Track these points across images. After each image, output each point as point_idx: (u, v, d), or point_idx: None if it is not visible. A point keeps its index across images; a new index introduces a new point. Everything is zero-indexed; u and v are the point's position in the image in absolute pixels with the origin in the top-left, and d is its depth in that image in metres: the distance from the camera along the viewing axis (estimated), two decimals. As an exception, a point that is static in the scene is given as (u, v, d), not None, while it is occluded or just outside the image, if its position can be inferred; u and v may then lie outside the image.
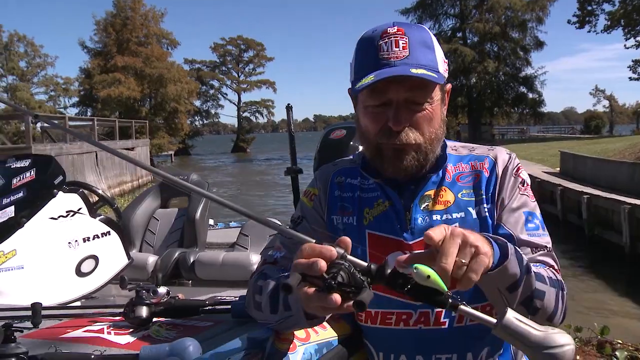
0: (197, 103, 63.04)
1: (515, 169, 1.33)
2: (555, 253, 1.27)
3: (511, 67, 44.11)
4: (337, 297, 0.88)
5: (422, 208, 1.29)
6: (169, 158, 46.63)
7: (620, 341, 4.49)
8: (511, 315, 0.87)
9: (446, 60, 1.31)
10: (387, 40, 1.22)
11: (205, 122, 76.28)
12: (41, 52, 54.25)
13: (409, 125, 1.22)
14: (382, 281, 0.91)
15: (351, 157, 1.46)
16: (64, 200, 2.66)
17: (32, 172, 2.64)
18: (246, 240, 3.64)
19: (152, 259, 3.47)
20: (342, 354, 1.28)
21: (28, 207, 2.55)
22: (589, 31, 39.01)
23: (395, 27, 1.24)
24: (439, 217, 1.27)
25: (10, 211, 2.52)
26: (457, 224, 1.24)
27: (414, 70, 1.17)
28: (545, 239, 1.28)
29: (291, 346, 1.14)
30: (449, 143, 1.39)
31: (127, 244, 3.72)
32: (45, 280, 2.46)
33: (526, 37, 43.39)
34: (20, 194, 2.58)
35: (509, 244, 1.07)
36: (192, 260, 3.43)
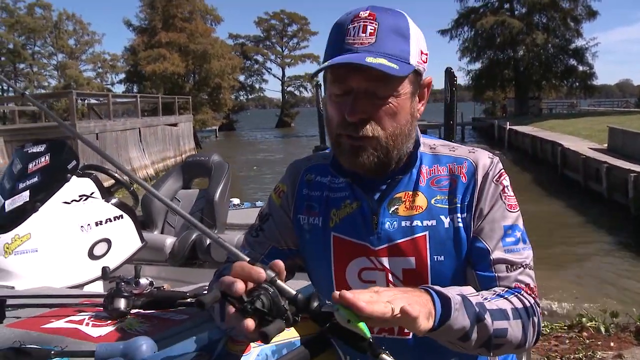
0: (241, 78, 63.41)
1: (497, 175, 1.23)
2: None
3: (561, 38, 42.40)
4: (249, 322, 0.84)
5: (390, 212, 1.21)
6: (213, 133, 47.28)
7: (661, 329, 4.35)
8: None
9: (426, 52, 1.20)
10: (356, 24, 1.14)
11: (250, 96, 76.74)
12: (89, 30, 55.56)
13: (368, 117, 1.14)
14: (307, 313, 0.87)
15: (327, 151, 1.37)
16: (77, 185, 2.72)
17: (47, 157, 2.71)
18: (265, 222, 3.63)
19: (169, 241, 3.52)
20: (303, 355, 1.26)
21: (42, 192, 2.62)
22: (646, -1, 37.26)
23: (368, 12, 1.14)
24: (408, 223, 1.20)
25: (25, 196, 2.61)
26: (426, 233, 1.19)
27: (370, 59, 1.08)
28: (523, 254, 1.20)
29: (245, 348, 1.13)
30: (427, 140, 1.30)
31: (148, 224, 3.81)
32: (58, 263, 2.54)
33: (578, 7, 41.64)
34: (35, 179, 2.65)
35: (453, 298, 1.01)
36: (208, 242, 3.46)
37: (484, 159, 1.24)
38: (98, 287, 2.65)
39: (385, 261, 1.20)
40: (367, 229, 1.22)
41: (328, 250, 1.24)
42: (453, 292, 1.03)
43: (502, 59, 43.36)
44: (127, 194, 3.24)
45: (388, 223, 1.20)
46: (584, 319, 4.71)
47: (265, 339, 0.83)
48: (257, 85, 71.74)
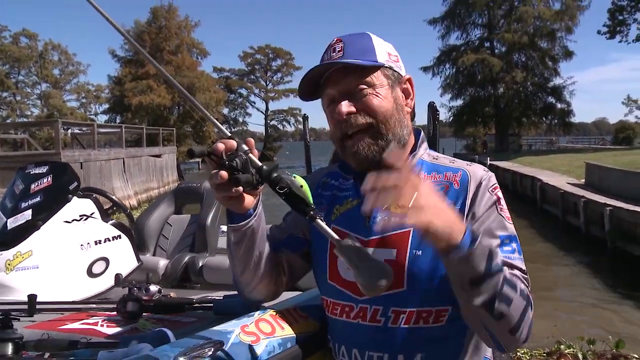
0: (225, 111, 63.64)
1: (492, 187, 1.35)
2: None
3: (539, 77, 43.44)
4: (224, 173, 1.11)
5: (384, 208, 1.36)
6: (197, 165, 47.19)
7: (636, 355, 4.47)
8: (346, 242, 1.11)
9: (395, 54, 1.42)
10: (329, 50, 1.38)
11: (233, 129, 76.89)
12: (74, 60, 55.68)
13: (356, 111, 1.33)
14: (268, 181, 1.13)
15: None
16: (78, 205, 2.81)
17: (49, 178, 2.81)
18: (254, 247, 3.73)
19: (162, 263, 3.60)
20: (296, 354, 1.37)
21: (44, 211, 2.71)
22: (620, 41, 38.44)
23: (336, 39, 1.39)
24: (397, 219, 1.32)
25: (28, 214, 2.70)
26: (411, 229, 1.29)
27: (339, 60, 1.33)
28: (520, 264, 1.28)
29: (255, 339, 1.25)
30: (432, 152, 1.46)
31: (141, 247, 3.89)
32: (58, 279, 2.61)
33: (555, 47, 42.80)
34: (38, 199, 2.75)
35: (481, 239, 1.11)
36: (200, 265, 3.54)
37: (479, 171, 1.38)
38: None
39: (371, 251, 1.31)
40: (361, 223, 1.37)
41: (327, 240, 1.36)
42: (484, 241, 1.12)
43: (482, 96, 44.14)
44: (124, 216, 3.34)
45: (379, 217, 1.34)
46: (562, 346, 4.82)
47: (237, 183, 1.11)
48: (240, 119, 72.12)
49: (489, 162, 28.36)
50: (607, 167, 15.62)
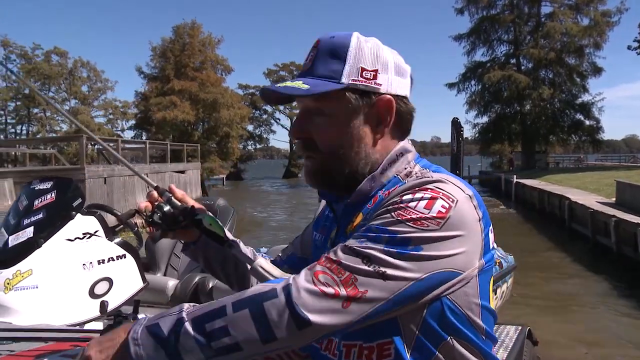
0: (250, 128, 64.06)
1: (409, 189, 1.12)
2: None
3: (567, 93, 42.76)
4: (150, 229, 1.36)
5: (344, 231, 1.26)
6: (221, 182, 47.46)
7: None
8: (257, 264, 1.28)
9: (374, 69, 1.21)
10: (307, 54, 1.27)
11: (258, 146, 77.36)
12: (102, 77, 56.78)
13: (309, 136, 1.25)
14: (190, 221, 1.32)
15: None
16: (82, 223, 2.71)
17: (53, 194, 2.72)
18: (268, 267, 3.60)
19: (172, 283, 3.49)
20: None
21: (46, 228, 2.62)
22: (650, 57, 37.76)
23: (316, 40, 1.26)
24: (345, 240, 1.17)
25: (29, 232, 2.61)
26: None
27: (284, 84, 1.21)
28: (363, 247, 1.06)
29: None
30: (417, 168, 1.24)
31: (152, 266, 3.78)
32: (58, 300, 2.51)
33: (583, 63, 42.14)
34: (40, 215, 2.65)
35: (131, 334, 1.08)
36: (210, 286, 3.43)
37: (412, 183, 1.15)
38: (98, 326, 2.61)
39: None
40: (329, 247, 1.28)
41: None
42: (140, 324, 1.10)
43: (509, 113, 43.63)
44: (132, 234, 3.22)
45: (340, 240, 1.19)
46: (594, 375, 4.59)
47: (154, 241, 1.40)
48: (265, 136, 72.55)
49: (515, 179, 27.96)
50: (639, 186, 15.17)
